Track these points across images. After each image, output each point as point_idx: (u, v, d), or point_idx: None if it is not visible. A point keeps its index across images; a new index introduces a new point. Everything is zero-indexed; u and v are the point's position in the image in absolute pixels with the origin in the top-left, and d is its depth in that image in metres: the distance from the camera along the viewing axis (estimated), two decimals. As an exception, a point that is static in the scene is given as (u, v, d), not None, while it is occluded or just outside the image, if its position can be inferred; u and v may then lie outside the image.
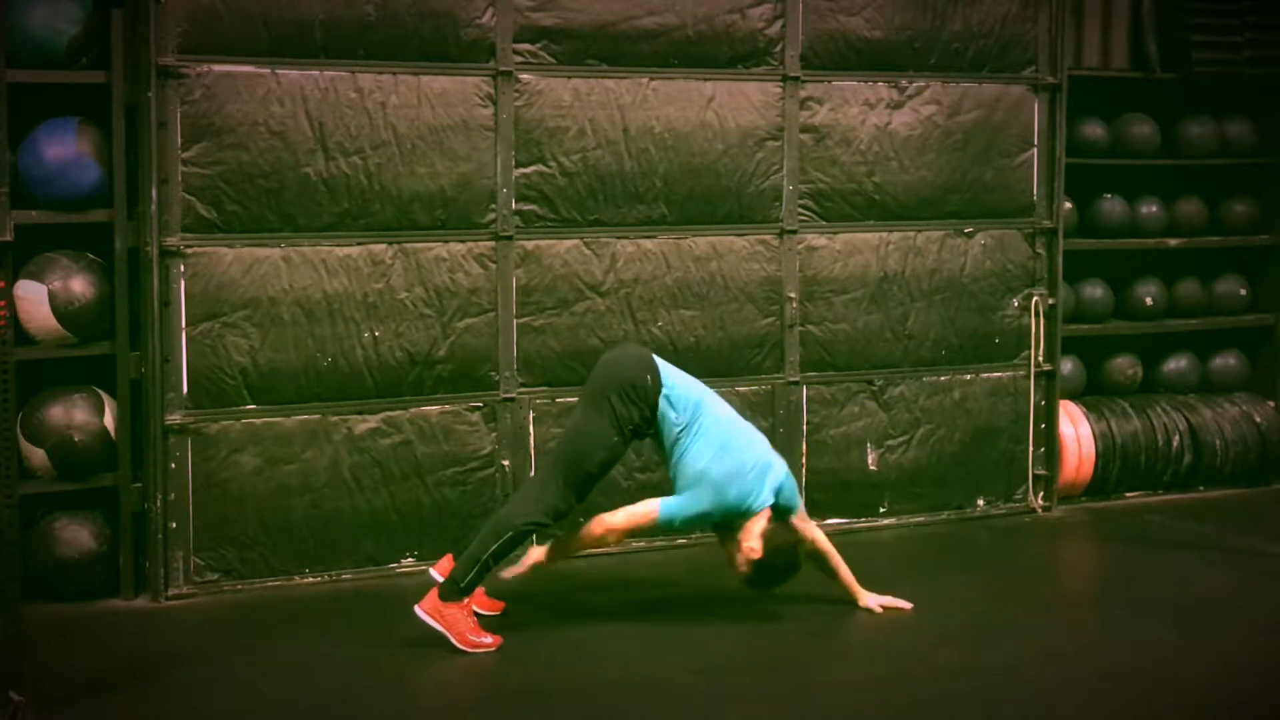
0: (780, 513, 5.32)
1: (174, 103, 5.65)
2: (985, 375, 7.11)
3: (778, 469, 5.32)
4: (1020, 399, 7.18)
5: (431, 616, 5.07)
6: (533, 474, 5.98)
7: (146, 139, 5.63)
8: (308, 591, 5.89)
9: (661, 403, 5.23)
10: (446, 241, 6.10)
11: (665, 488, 5.39)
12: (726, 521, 5.27)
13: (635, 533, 5.33)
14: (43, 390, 5.68)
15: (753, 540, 5.22)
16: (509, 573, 5.30)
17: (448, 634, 5.04)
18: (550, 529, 5.26)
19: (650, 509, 5.22)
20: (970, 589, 5.92)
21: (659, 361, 5.33)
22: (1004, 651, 5.15)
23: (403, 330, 6.04)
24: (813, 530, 5.53)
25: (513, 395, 6.24)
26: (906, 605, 5.54)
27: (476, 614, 5.18)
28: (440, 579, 5.22)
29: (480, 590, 5.24)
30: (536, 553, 5.33)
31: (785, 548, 5.31)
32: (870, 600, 5.54)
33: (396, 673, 4.88)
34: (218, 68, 5.71)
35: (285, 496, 5.91)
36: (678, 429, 5.24)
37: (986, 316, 7.08)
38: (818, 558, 5.55)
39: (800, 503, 5.48)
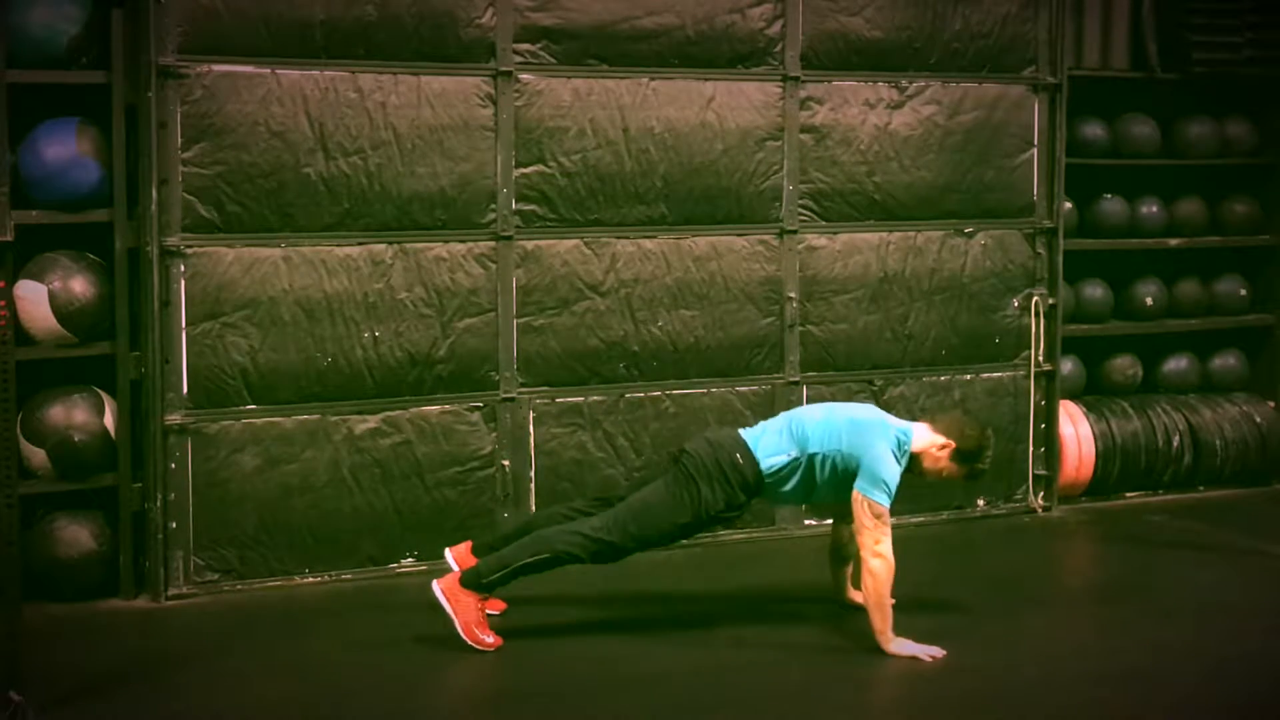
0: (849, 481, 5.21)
1: (174, 103, 5.65)
2: (985, 375, 7.11)
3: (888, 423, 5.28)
4: (1020, 399, 7.18)
5: (447, 596, 5.04)
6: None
7: (146, 139, 5.63)
8: (308, 591, 5.89)
9: (764, 469, 5.13)
10: (446, 241, 6.10)
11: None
12: (904, 461, 5.15)
13: (881, 535, 5.05)
14: (43, 390, 5.67)
15: (934, 446, 5.18)
16: None
17: (455, 619, 5.02)
18: (583, 565, 5.18)
19: (872, 508, 5.03)
20: (970, 589, 5.92)
21: (748, 432, 5.26)
22: (1003, 651, 5.15)
23: (403, 330, 6.04)
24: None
25: (513, 395, 6.24)
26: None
27: (481, 614, 5.17)
28: (453, 561, 5.22)
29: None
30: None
31: (965, 426, 5.27)
32: (858, 597, 5.52)
33: (396, 672, 4.88)
34: (218, 68, 5.71)
35: (285, 496, 5.91)
36: (798, 462, 5.14)
37: (986, 316, 7.08)
38: (845, 549, 5.50)
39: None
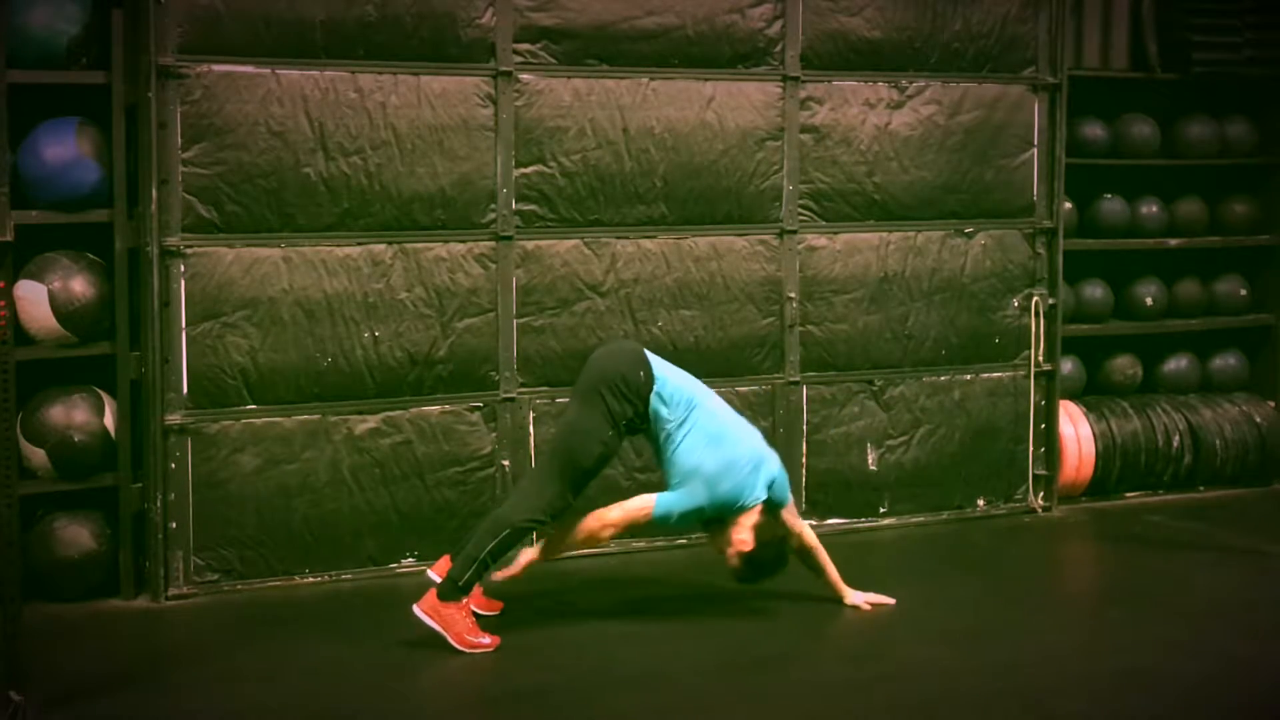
0: (771, 506, 5.34)
1: (174, 103, 5.65)
2: (985, 375, 7.11)
3: (771, 463, 5.33)
4: (1020, 399, 7.18)
5: (430, 616, 5.07)
6: (529, 472, 5.96)
7: (146, 139, 5.63)
8: (308, 591, 5.89)
9: (653, 399, 5.23)
10: (446, 241, 6.10)
11: (664, 487, 5.38)
12: (719, 515, 5.27)
13: (631, 529, 5.31)
14: (43, 390, 5.68)
15: (744, 533, 5.24)
16: (501, 574, 5.30)
17: (445, 634, 5.04)
18: (548, 526, 5.26)
19: (645, 505, 5.22)
20: (970, 589, 5.93)
21: (651, 357, 5.33)
22: (1004, 651, 5.15)
23: (403, 330, 6.05)
24: (801, 525, 5.58)
25: (513, 395, 6.24)
26: (890, 601, 5.58)
27: (475, 614, 5.18)
28: (438, 580, 5.23)
29: (478, 590, 5.24)
30: (530, 552, 5.33)
31: (774, 541, 5.33)
32: (856, 598, 5.57)
33: (396, 673, 4.88)
34: (218, 68, 5.71)
35: (285, 496, 5.91)
36: (670, 424, 5.24)
37: (986, 316, 7.08)
38: (804, 554, 5.59)
39: (790, 498, 5.48)
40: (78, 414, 5.63)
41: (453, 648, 5.03)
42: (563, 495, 5.15)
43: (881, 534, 6.81)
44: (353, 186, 5.94)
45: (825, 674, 4.93)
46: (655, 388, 5.24)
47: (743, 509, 5.23)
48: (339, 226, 5.94)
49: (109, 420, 5.70)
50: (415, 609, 5.10)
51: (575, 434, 5.21)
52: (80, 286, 5.61)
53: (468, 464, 6.18)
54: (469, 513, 6.12)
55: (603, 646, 5.18)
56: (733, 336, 6.59)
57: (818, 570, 5.61)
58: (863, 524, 6.85)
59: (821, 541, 5.67)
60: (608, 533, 5.26)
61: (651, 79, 6.36)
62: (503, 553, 5.14)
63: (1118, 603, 5.83)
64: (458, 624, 5.06)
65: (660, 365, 5.33)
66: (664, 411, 5.24)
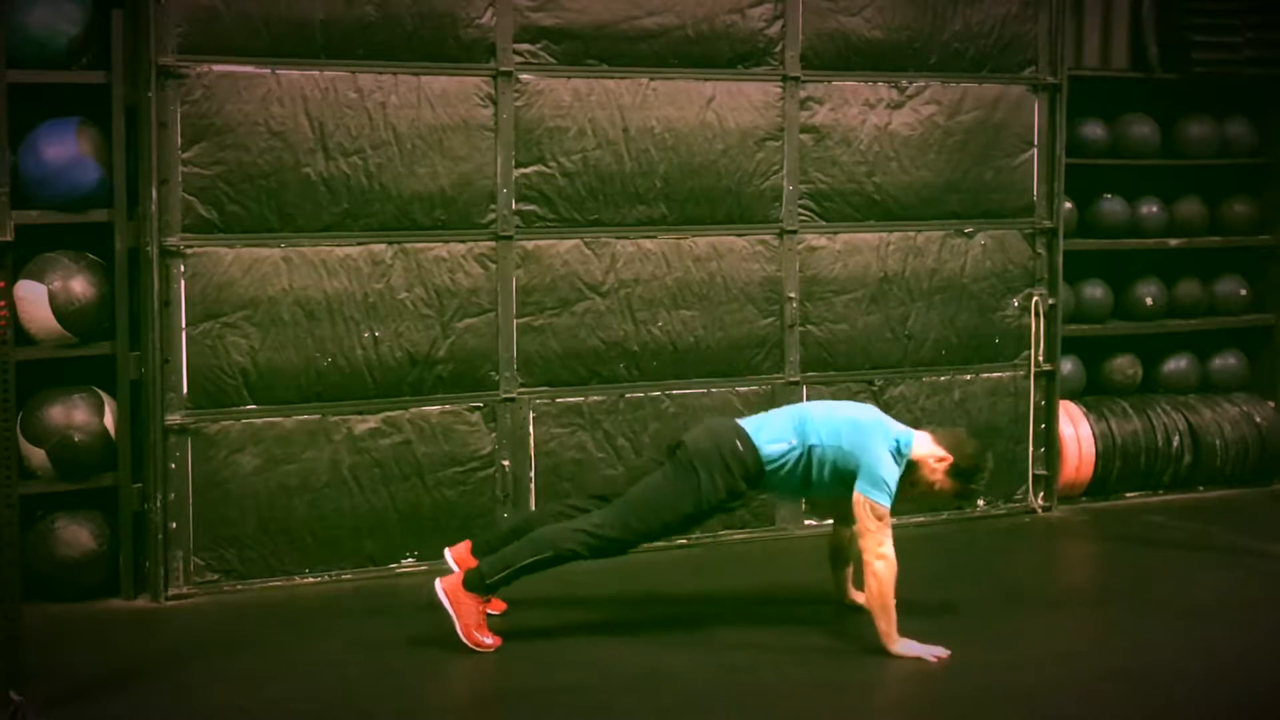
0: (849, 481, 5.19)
1: (174, 103, 5.65)
2: (985, 375, 7.11)
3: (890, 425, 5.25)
4: (1020, 399, 7.18)
5: (449, 597, 5.03)
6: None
7: (146, 139, 5.63)
8: (308, 591, 5.89)
9: (764, 455, 5.10)
10: (446, 241, 6.10)
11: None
12: (900, 471, 5.10)
13: (884, 536, 5.03)
14: (43, 390, 5.67)
15: (932, 458, 5.13)
16: None
17: (456, 620, 5.02)
18: (586, 562, 5.17)
19: (874, 509, 5.00)
20: (970, 589, 5.92)
21: (747, 423, 5.23)
22: (1004, 651, 5.15)
23: (403, 330, 6.04)
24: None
25: (513, 395, 6.24)
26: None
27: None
28: (453, 561, 5.22)
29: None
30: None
31: (966, 443, 5.21)
32: (859, 598, 5.51)
33: (397, 672, 4.88)
34: (218, 68, 5.71)
35: (285, 496, 5.91)
36: (797, 452, 5.11)
37: (986, 317, 7.08)
38: (846, 551, 5.50)
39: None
40: (78, 414, 5.63)
41: (453, 645, 5.00)
42: (622, 546, 5.10)
43: (881, 534, 6.81)
44: (353, 186, 5.94)
45: (825, 674, 4.93)
46: (759, 448, 5.10)
47: (908, 448, 5.09)
48: (339, 226, 5.94)
49: (109, 420, 5.70)
50: (437, 584, 5.06)
51: (654, 496, 5.09)
52: (80, 286, 5.61)
53: (468, 464, 6.18)
54: (469, 513, 6.12)
55: (603, 646, 5.18)
56: (733, 336, 6.59)
57: (841, 565, 5.54)
58: (863, 524, 6.84)
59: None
60: (887, 567, 5.01)
61: (651, 79, 6.36)
62: (536, 570, 5.07)
63: (1118, 603, 5.84)
64: (471, 615, 5.03)
65: (753, 424, 5.21)
66: (782, 448, 5.11)
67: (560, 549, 5.05)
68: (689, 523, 5.20)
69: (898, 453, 5.11)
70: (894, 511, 5.03)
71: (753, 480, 5.14)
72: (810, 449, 5.13)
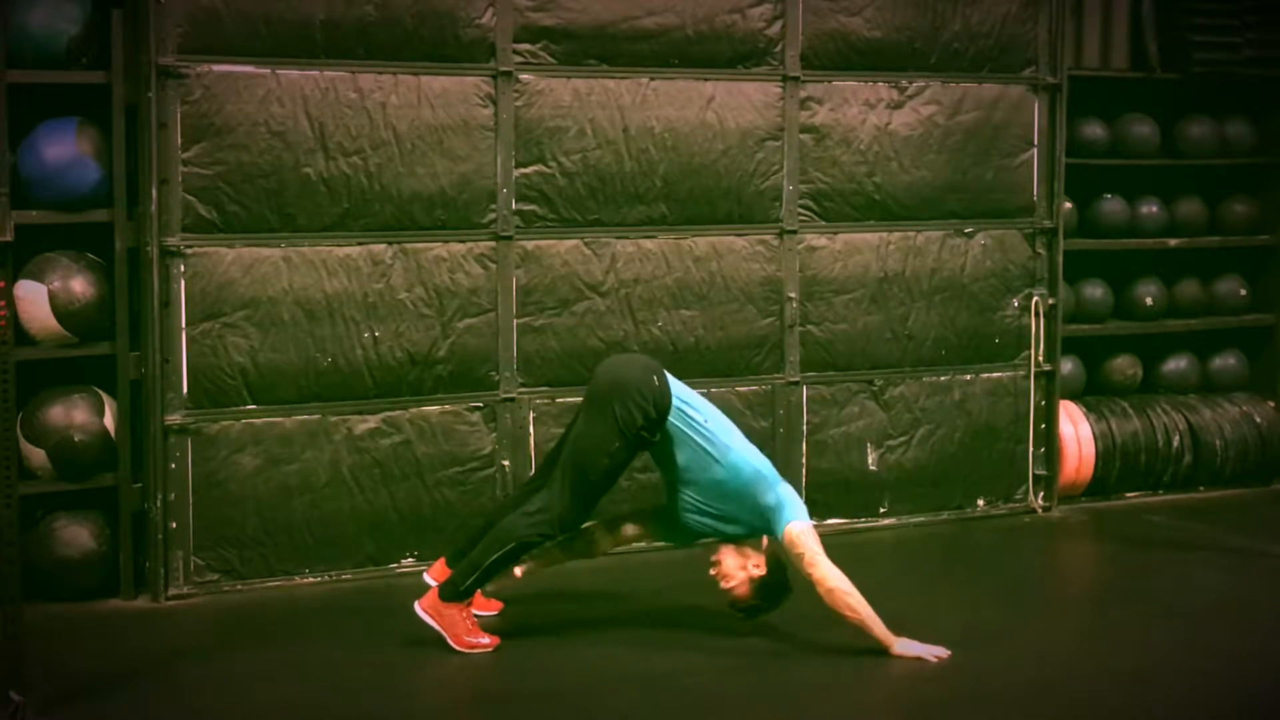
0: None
1: (174, 103, 5.65)
2: (985, 375, 7.11)
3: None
4: (1020, 399, 7.18)
5: (430, 615, 5.07)
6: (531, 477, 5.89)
7: (146, 139, 5.63)
8: (308, 591, 5.89)
9: (675, 403, 5.09)
10: (446, 241, 6.10)
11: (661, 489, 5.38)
12: (759, 528, 5.11)
13: (828, 566, 5.01)
14: (43, 390, 5.67)
15: (758, 559, 5.14)
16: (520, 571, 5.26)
17: (445, 634, 5.05)
18: (554, 541, 5.20)
19: (811, 534, 4.99)
20: (970, 589, 5.93)
21: (664, 370, 5.24)
22: (1004, 651, 5.15)
23: (403, 330, 6.04)
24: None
25: (513, 395, 6.24)
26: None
27: (475, 615, 5.18)
28: (433, 583, 5.23)
29: (478, 592, 5.24)
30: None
31: (781, 567, 5.19)
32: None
33: (396, 673, 4.88)
34: (218, 68, 5.71)
35: (285, 496, 5.91)
36: (700, 435, 5.09)
37: (986, 316, 7.08)
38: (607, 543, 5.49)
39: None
40: (78, 414, 5.63)
41: (453, 648, 5.03)
42: (574, 510, 5.08)
43: (881, 534, 6.82)
44: (353, 186, 5.94)
45: (824, 674, 4.93)
46: (673, 393, 5.10)
47: (773, 520, 5.05)
48: (339, 226, 5.94)
49: (109, 420, 5.70)
50: (417, 607, 5.10)
51: (582, 446, 5.08)
52: (80, 286, 5.61)
53: (468, 464, 6.18)
54: (469, 513, 6.12)
55: (602, 647, 5.18)
56: (733, 336, 6.59)
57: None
58: (862, 524, 6.85)
59: (822, 542, 5.65)
60: (841, 597, 4.99)
61: (651, 79, 6.36)
62: (507, 564, 5.10)
63: (1118, 603, 5.84)
64: (457, 625, 5.06)
65: (673, 379, 5.21)
66: (692, 412, 5.11)
67: (521, 537, 5.05)
68: (624, 455, 5.07)
69: (780, 506, 5.04)
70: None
71: (660, 412, 5.04)
72: (713, 437, 5.08)
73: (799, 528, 4.99)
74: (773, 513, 5.04)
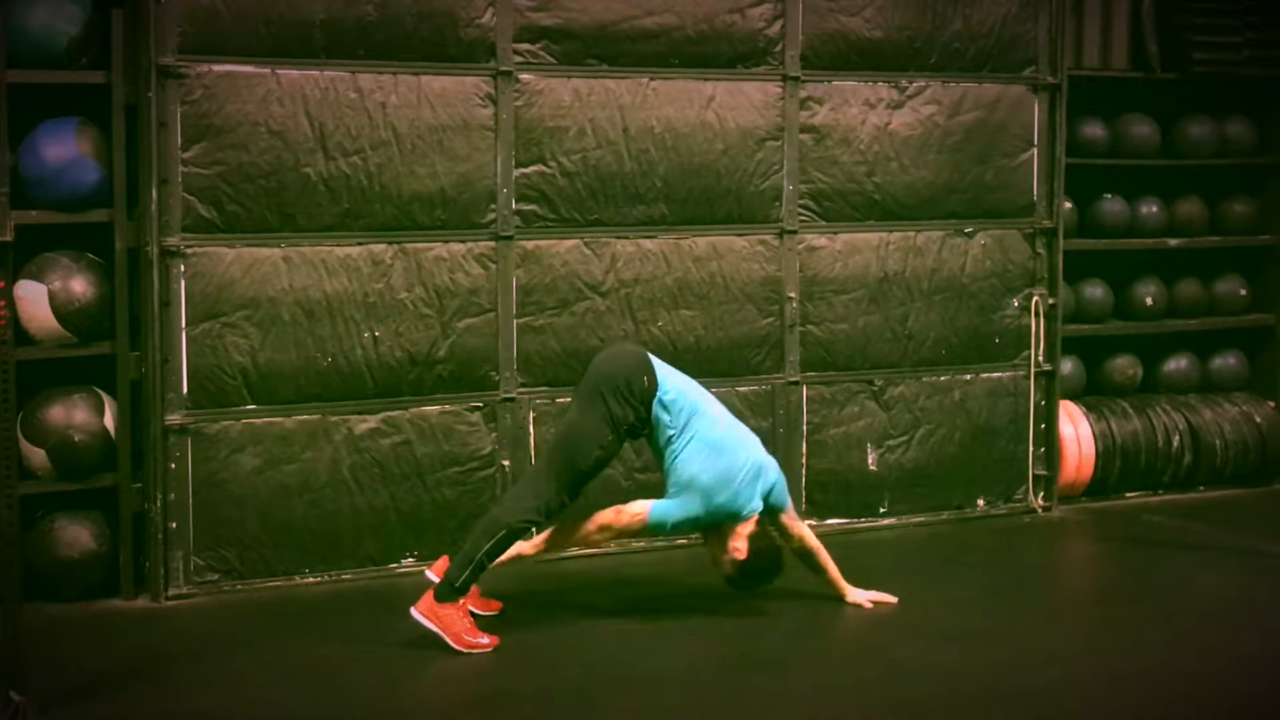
0: (770, 512, 5.40)
1: (174, 103, 5.65)
2: (985, 375, 7.11)
3: (769, 472, 5.39)
4: (1020, 399, 7.18)
5: (427, 617, 5.08)
6: (528, 472, 5.94)
7: (146, 139, 5.63)
8: (308, 591, 5.89)
9: (655, 405, 5.24)
10: (446, 241, 6.10)
11: (663, 489, 5.38)
12: (715, 524, 5.32)
13: (626, 533, 5.35)
14: (43, 390, 5.67)
15: (739, 542, 5.30)
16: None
17: (443, 635, 5.05)
18: (544, 527, 5.27)
19: (640, 511, 5.26)
20: (970, 589, 5.93)
21: (655, 361, 5.33)
22: (1004, 651, 5.15)
23: (403, 330, 6.05)
24: (801, 528, 5.60)
25: (513, 395, 6.24)
26: (892, 600, 5.60)
27: (474, 614, 5.18)
28: (436, 580, 5.23)
29: (475, 590, 5.24)
30: (523, 545, 5.35)
31: (769, 550, 5.39)
32: (857, 595, 5.60)
33: (396, 673, 4.88)
34: (218, 68, 5.71)
35: (285, 496, 5.91)
36: (671, 431, 5.26)
37: (986, 316, 7.08)
38: (805, 555, 5.61)
39: (789, 501, 5.52)
40: (78, 414, 5.63)
41: (452, 648, 5.03)
42: (559, 496, 5.16)
43: (881, 534, 6.82)
44: (353, 186, 5.94)
45: (825, 674, 4.93)
46: (658, 393, 5.24)
47: (739, 519, 5.29)
48: (339, 226, 5.94)
49: (109, 420, 5.70)
50: (413, 611, 5.11)
51: (574, 436, 5.21)
52: (80, 286, 5.61)
53: (468, 464, 6.18)
54: (469, 513, 6.12)
55: (601, 647, 5.18)
56: (733, 336, 6.59)
57: (818, 570, 5.62)
58: (863, 524, 6.85)
59: (822, 541, 5.67)
60: (603, 536, 5.33)
61: (651, 79, 6.36)
62: (498, 554, 5.15)
63: (1117, 603, 5.83)
64: (455, 625, 5.06)
65: (663, 369, 5.33)
66: (665, 418, 5.25)
67: (510, 524, 5.11)
68: (615, 446, 5.26)
69: (726, 512, 5.26)
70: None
71: (649, 409, 5.23)
72: (676, 438, 5.24)
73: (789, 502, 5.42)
74: (732, 517, 5.29)
